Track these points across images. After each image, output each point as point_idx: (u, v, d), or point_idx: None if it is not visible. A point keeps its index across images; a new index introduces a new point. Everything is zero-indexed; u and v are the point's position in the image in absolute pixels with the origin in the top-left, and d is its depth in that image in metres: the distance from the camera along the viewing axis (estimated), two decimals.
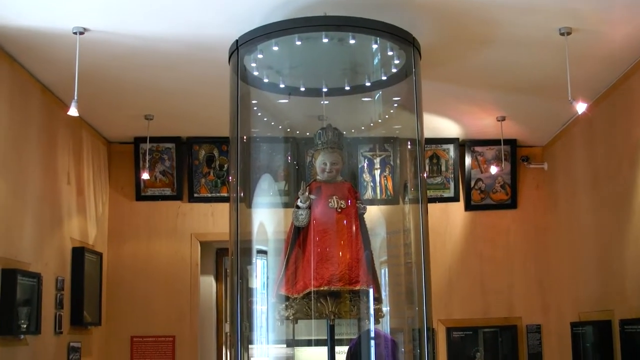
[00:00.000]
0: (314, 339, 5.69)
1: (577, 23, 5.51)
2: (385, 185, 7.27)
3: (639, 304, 6.23)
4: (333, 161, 5.27)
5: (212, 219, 8.43)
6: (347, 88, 5.62)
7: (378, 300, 5.15)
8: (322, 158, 5.28)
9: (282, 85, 5.61)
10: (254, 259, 5.46)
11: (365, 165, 7.12)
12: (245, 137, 5.43)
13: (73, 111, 5.46)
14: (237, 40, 5.20)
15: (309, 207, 5.14)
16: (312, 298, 4.95)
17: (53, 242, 6.79)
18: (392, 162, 7.06)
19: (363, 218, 5.26)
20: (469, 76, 6.58)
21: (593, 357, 7.13)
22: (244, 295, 5.26)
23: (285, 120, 5.95)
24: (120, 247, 8.36)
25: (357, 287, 5.01)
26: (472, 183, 8.63)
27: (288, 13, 5.13)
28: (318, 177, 5.30)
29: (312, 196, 5.15)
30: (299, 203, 5.15)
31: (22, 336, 5.99)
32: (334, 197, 5.16)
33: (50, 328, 6.63)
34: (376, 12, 5.07)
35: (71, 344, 7.07)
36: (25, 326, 5.98)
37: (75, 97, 5.44)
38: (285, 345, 5.86)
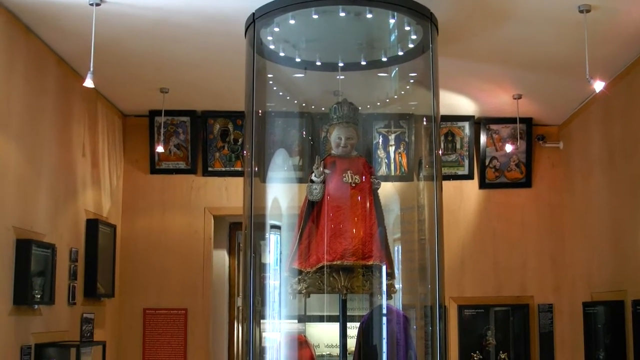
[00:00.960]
0: (326, 315, 5.69)
1: (596, 1, 5.46)
2: (400, 162, 7.25)
3: None
4: (348, 136, 5.25)
5: (226, 193, 8.44)
6: (363, 63, 5.59)
7: (391, 275, 5.15)
8: (337, 132, 5.27)
9: (298, 60, 5.59)
10: (267, 233, 5.47)
11: (380, 141, 7.10)
12: (260, 112, 5.42)
13: (89, 82, 5.45)
14: (253, 13, 5.18)
15: (323, 182, 5.13)
16: (325, 272, 4.96)
17: (67, 214, 6.81)
18: (407, 139, 7.04)
19: (377, 193, 5.26)
20: (486, 53, 6.54)
21: (604, 338, 7.12)
22: (257, 270, 5.27)
23: (301, 95, 5.93)
24: (134, 219, 8.39)
25: (370, 262, 5.01)
26: (487, 161, 8.60)
27: None
28: (333, 152, 5.29)
29: (326, 170, 5.14)
30: (313, 177, 5.14)
31: (36, 306, 6.03)
32: (349, 172, 5.15)
33: (63, 299, 6.68)
34: None
35: (84, 315, 7.11)
36: (39, 296, 6.02)
37: (91, 69, 5.43)
38: (297, 321, 5.86)
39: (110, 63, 6.65)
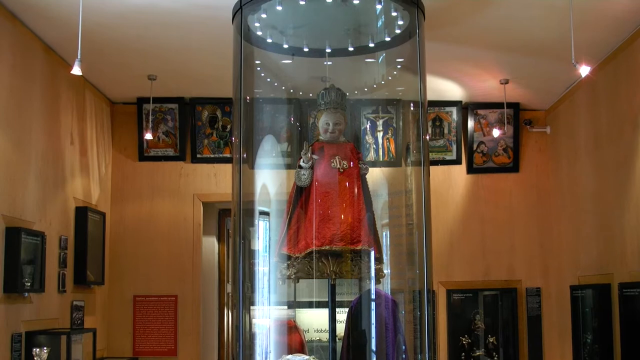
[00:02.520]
0: (315, 301, 5.71)
1: None
2: (388, 148, 7.26)
3: (638, 267, 6.26)
4: (336, 121, 5.27)
5: (215, 180, 8.45)
6: (351, 49, 5.59)
7: (379, 260, 5.18)
8: (324, 118, 5.28)
9: (285, 46, 5.58)
10: (256, 220, 5.47)
11: (368, 127, 7.12)
12: (248, 98, 5.41)
13: (77, 70, 5.44)
14: (240, 0, 5.17)
15: (312, 167, 5.14)
16: (314, 257, 4.98)
17: (56, 202, 6.82)
18: (394, 124, 7.05)
19: (365, 179, 5.27)
20: (473, 38, 6.56)
21: (592, 320, 7.18)
22: (246, 256, 5.28)
23: (289, 82, 5.93)
24: (123, 207, 8.40)
25: (359, 247, 5.04)
26: (475, 146, 8.63)
27: None
28: (321, 138, 5.31)
29: (314, 156, 5.16)
30: (301, 163, 5.15)
31: (26, 294, 6.05)
32: (337, 158, 5.17)
33: (54, 287, 6.69)
34: None
35: (74, 302, 7.12)
36: (29, 284, 6.03)
37: (79, 56, 5.41)
38: (286, 307, 5.89)
39: (97, 50, 6.64)
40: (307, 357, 4.92)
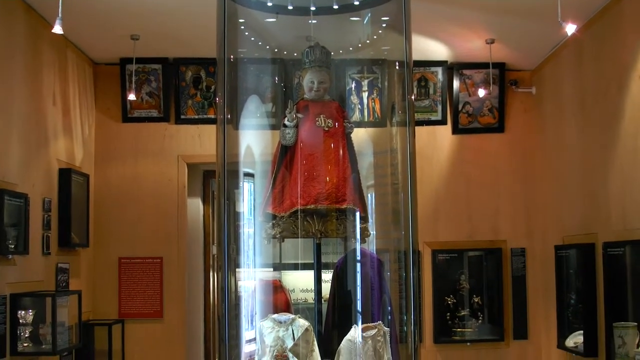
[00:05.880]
0: (301, 263, 5.72)
1: None
2: (373, 108, 7.24)
3: (623, 227, 6.29)
4: (320, 80, 5.23)
5: (199, 141, 8.42)
6: (336, 7, 5.54)
7: (364, 219, 5.18)
8: (309, 76, 5.25)
9: (269, 4, 5.52)
10: (241, 181, 5.46)
11: (353, 87, 7.08)
12: (232, 58, 5.36)
13: (58, 29, 5.36)
14: None
15: (296, 126, 5.12)
16: (299, 216, 4.97)
17: (39, 164, 6.76)
18: (380, 85, 7.02)
19: (350, 138, 5.25)
20: None
21: (576, 280, 7.22)
22: (231, 217, 5.26)
23: (273, 41, 5.87)
24: (107, 168, 8.35)
25: (344, 206, 5.03)
26: (460, 106, 8.62)
27: None
28: (305, 96, 5.28)
29: (299, 115, 5.13)
30: (286, 122, 5.13)
31: (10, 256, 6.02)
32: (322, 116, 5.14)
33: (38, 249, 6.66)
34: None
35: (59, 264, 7.10)
36: (13, 246, 6.00)
37: (60, 14, 5.34)
38: (272, 269, 5.89)
39: (79, 10, 6.54)
40: (292, 316, 4.93)
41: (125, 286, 8.30)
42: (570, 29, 5.77)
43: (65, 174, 7.26)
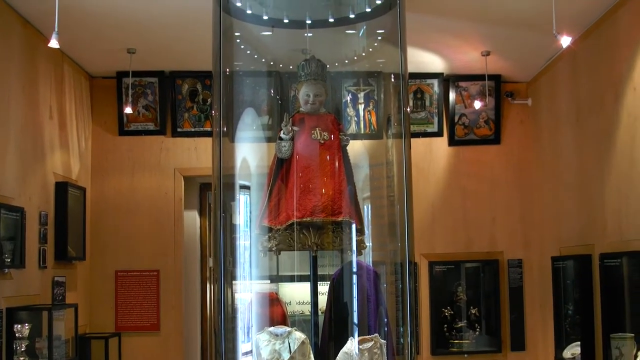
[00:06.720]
0: (297, 275, 5.72)
1: None
2: (369, 120, 7.25)
3: (619, 238, 6.29)
4: (316, 92, 5.24)
5: (196, 154, 8.42)
6: (331, 20, 5.56)
7: (360, 232, 5.18)
8: (305, 89, 5.25)
9: (265, 17, 5.54)
10: (237, 194, 5.46)
11: (349, 99, 7.09)
12: (228, 71, 5.38)
13: (54, 43, 5.38)
14: None
15: (292, 139, 5.13)
16: (295, 229, 4.97)
17: (36, 177, 6.76)
18: (376, 97, 7.03)
19: (346, 150, 5.26)
20: (454, 9, 6.53)
21: (573, 291, 7.22)
22: (228, 229, 5.26)
23: (269, 54, 5.88)
24: (104, 182, 8.35)
25: (340, 219, 5.03)
26: (456, 118, 8.63)
27: None
28: (301, 109, 5.28)
29: (295, 127, 5.13)
30: (282, 135, 5.13)
31: (6, 270, 6.01)
32: (317, 129, 5.14)
33: (34, 262, 6.65)
34: None
35: (56, 278, 7.09)
36: (9, 260, 5.99)
37: (56, 29, 5.35)
38: (269, 281, 5.89)
39: (76, 23, 6.56)
40: (289, 329, 4.93)
41: (122, 299, 8.29)
42: (565, 41, 5.80)
43: (62, 187, 7.26)
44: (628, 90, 6.14)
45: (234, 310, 5.45)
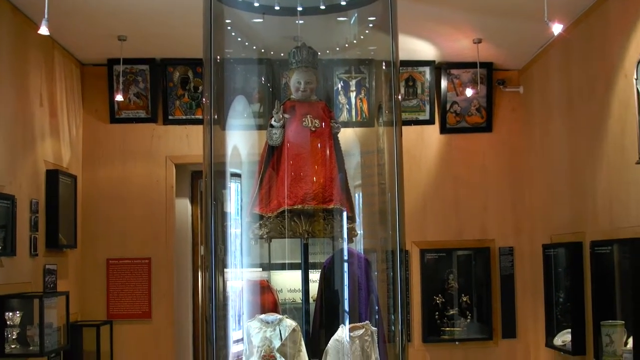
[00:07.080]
0: (288, 262, 5.72)
1: None
2: (361, 108, 7.24)
3: (610, 225, 6.31)
4: (307, 80, 5.23)
5: (187, 141, 8.41)
6: (322, 7, 5.54)
7: (351, 219, 5.18)
8: (296, 77, 5.24)
9: (256, 4, 5.51)
10: (228, 181, 5.45)
11: (341, 87, 7.08)
12: (218, 58, 5.36)
13: (44, 30, 5.35)
14: None
15: (283, 126, 5.12)
16: (286, 217, 4.97)
17: (27, 165, 6.74)
18: (367, 84, 7.03)
19: (337, 138, 5.25)
20: None
21: (564, 278, 7.24)
22: (219, 217, 5.26)
23: (260, 41, 5.86)
24: (95, 169, 8.33)
25: (331, 206, 5.03)
26: (448, 106, 8.63)
27: None
28: (292, 97, 5.27)
29: (286, 115, 5.13)
30: (272, 122, 5.12)
31: None
32: (308, 116, 5.14)
33: (25, 250, 6.64)
34: None
35: (47, 266, 7.08)
36: (0, 248, 5.98)
37: (46, 16, 5.33)
38: (260, 269, 5.88)
39: (66, 10, 6.53)
40: (280, 316, 4.93)
41: (114, 287, 8.28)
42: (557, 28, 5.79)
43: (53, 175, 7.24)
44: (619, 77, 6.14)
45: (225, 297, 5.45)
